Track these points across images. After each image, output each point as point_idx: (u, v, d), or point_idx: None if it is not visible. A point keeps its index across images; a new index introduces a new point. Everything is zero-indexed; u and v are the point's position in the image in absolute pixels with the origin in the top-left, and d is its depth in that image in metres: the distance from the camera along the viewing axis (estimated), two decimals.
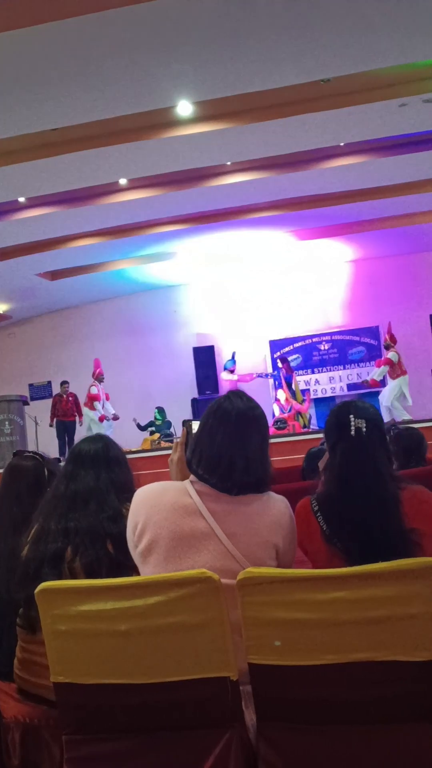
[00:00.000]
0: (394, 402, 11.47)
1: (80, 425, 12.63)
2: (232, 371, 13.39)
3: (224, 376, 13.55)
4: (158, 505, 1.93)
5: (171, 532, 1.89)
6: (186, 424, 2.36)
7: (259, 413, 2.03)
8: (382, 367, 12.12)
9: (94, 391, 12.42)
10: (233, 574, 1.71)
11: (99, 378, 12.60)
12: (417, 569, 1.57)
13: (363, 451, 2.08)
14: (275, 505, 1.98)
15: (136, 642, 1.71)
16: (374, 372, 12.63)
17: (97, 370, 12.67)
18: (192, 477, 1.99)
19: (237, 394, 2.05)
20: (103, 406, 12.47)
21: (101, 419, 12.24)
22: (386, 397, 11.71)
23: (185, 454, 2.11)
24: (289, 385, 12.37)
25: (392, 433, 3.98)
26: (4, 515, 2.51)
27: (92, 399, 12.37)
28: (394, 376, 11.71)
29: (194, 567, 1.78)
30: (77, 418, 12.75)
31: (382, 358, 12.24)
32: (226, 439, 1.95)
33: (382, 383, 12.59)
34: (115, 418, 12.51)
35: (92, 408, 12.34)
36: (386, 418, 11.00)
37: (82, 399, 12.64)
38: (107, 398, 12.67)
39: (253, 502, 1.94)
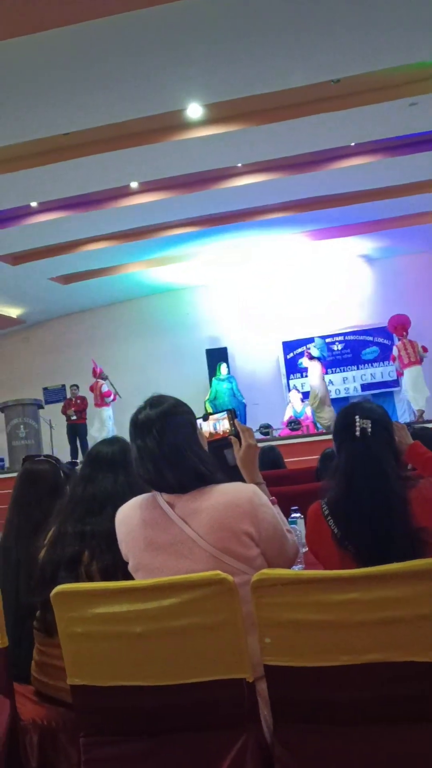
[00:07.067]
0: (408, 392, 11.63)
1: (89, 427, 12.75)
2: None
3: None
4: (131, 524, 1.97)
5: (148, 546, 1.91)
6: (229, 413, 2.36)
7: (165, 410, 1.95)
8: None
9: (105, 388, 12.58)
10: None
11: (101, 375, 12.73)
12: (428, 570, 1.57)
13: (368, 452, 2.07)
14: (232, 492, 1.90)
15: (151, 644, 1.71)
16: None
17: (98, 369, 12.80)
18: None
19: (145, 404, 1.99)
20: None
21: (107, 394, 12.49)
22: (403, 388, 11.95)
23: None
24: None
25: None
26: (22, 520, 2.51)
27: (105, 396, 12.53)
28: (403, 367, 11.77)
29: (179, 574, 1.77)
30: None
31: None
32: (142, 448, 1.92)
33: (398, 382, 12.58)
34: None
35: (103, 404, 12.53)
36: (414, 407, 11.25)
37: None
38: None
39: (212, 496, 1.89)
